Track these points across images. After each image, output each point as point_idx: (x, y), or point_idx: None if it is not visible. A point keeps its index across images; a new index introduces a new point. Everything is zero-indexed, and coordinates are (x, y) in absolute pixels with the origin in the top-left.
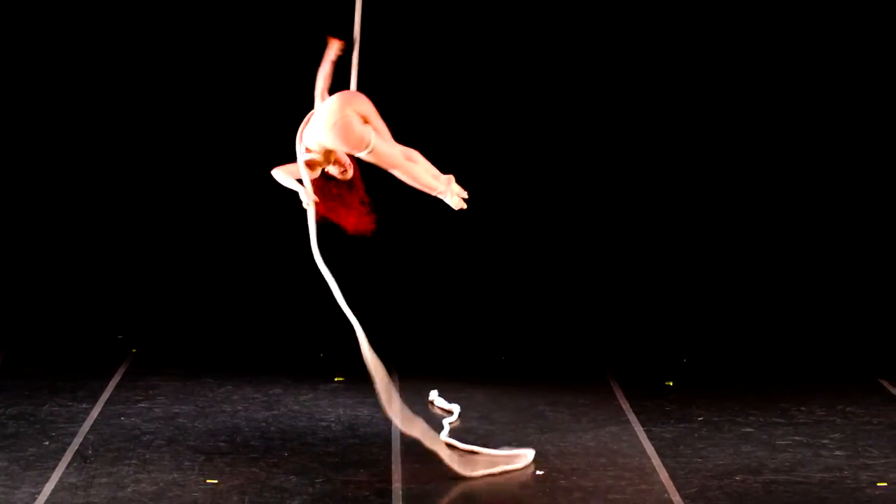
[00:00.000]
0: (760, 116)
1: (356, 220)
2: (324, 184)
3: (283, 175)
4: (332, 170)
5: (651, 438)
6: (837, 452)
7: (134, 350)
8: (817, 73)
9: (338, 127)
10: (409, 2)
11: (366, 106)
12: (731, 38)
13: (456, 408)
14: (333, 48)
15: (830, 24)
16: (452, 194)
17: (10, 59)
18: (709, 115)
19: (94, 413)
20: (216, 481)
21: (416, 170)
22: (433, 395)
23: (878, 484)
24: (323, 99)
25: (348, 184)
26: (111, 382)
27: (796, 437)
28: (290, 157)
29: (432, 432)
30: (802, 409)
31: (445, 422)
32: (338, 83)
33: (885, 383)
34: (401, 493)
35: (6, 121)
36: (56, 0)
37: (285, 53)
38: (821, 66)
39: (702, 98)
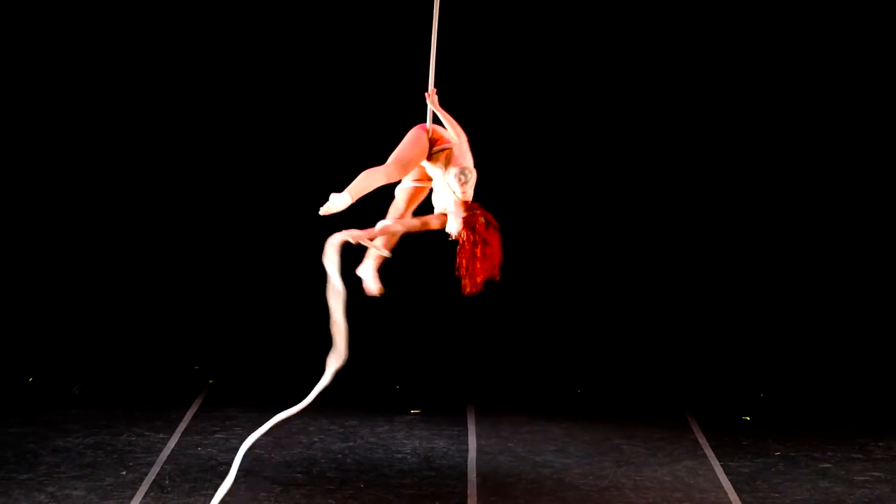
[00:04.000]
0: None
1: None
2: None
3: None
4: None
5: (728, 473)
6: None
7: (211, 381)
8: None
9: None
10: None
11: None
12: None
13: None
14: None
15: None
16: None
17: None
18: (779, 149)
19: (172, 443)
20: None
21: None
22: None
23: None
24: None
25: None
26: (188, 413)
27: (875, 473)
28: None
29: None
30: (880, 444)
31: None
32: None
33: None
34: None
35: (88, 159)
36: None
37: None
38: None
39: (772, 134)
